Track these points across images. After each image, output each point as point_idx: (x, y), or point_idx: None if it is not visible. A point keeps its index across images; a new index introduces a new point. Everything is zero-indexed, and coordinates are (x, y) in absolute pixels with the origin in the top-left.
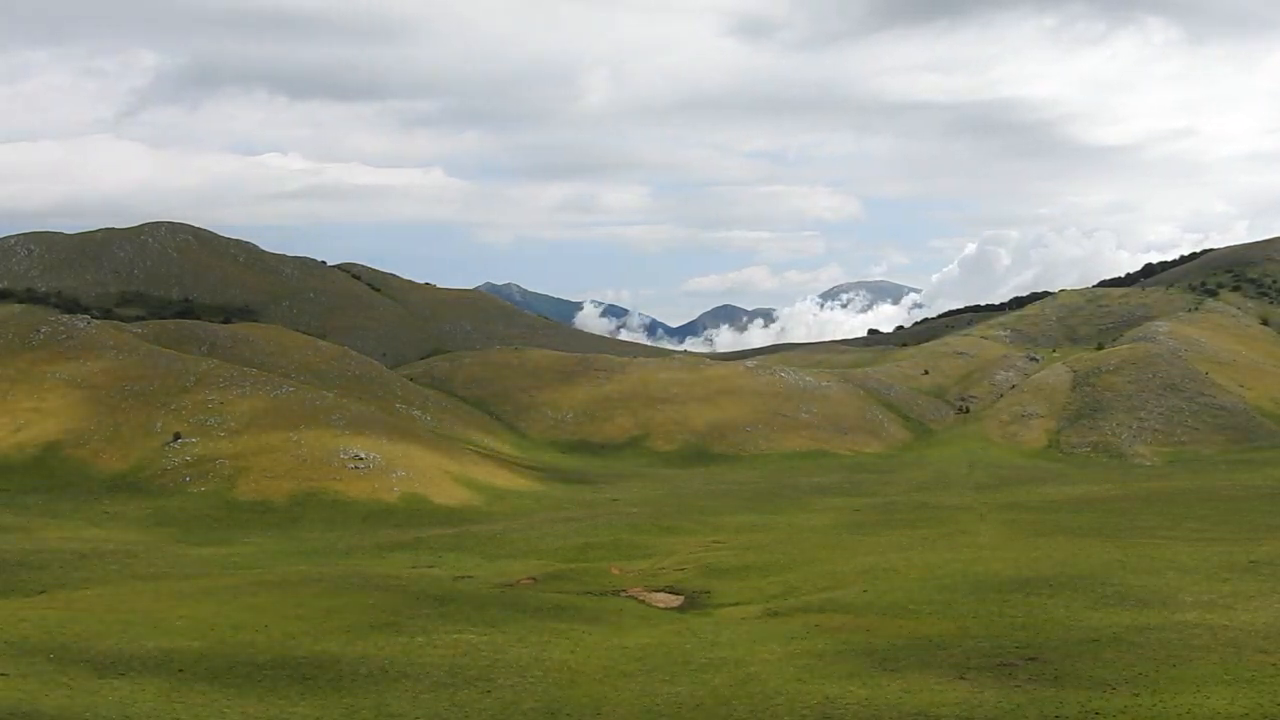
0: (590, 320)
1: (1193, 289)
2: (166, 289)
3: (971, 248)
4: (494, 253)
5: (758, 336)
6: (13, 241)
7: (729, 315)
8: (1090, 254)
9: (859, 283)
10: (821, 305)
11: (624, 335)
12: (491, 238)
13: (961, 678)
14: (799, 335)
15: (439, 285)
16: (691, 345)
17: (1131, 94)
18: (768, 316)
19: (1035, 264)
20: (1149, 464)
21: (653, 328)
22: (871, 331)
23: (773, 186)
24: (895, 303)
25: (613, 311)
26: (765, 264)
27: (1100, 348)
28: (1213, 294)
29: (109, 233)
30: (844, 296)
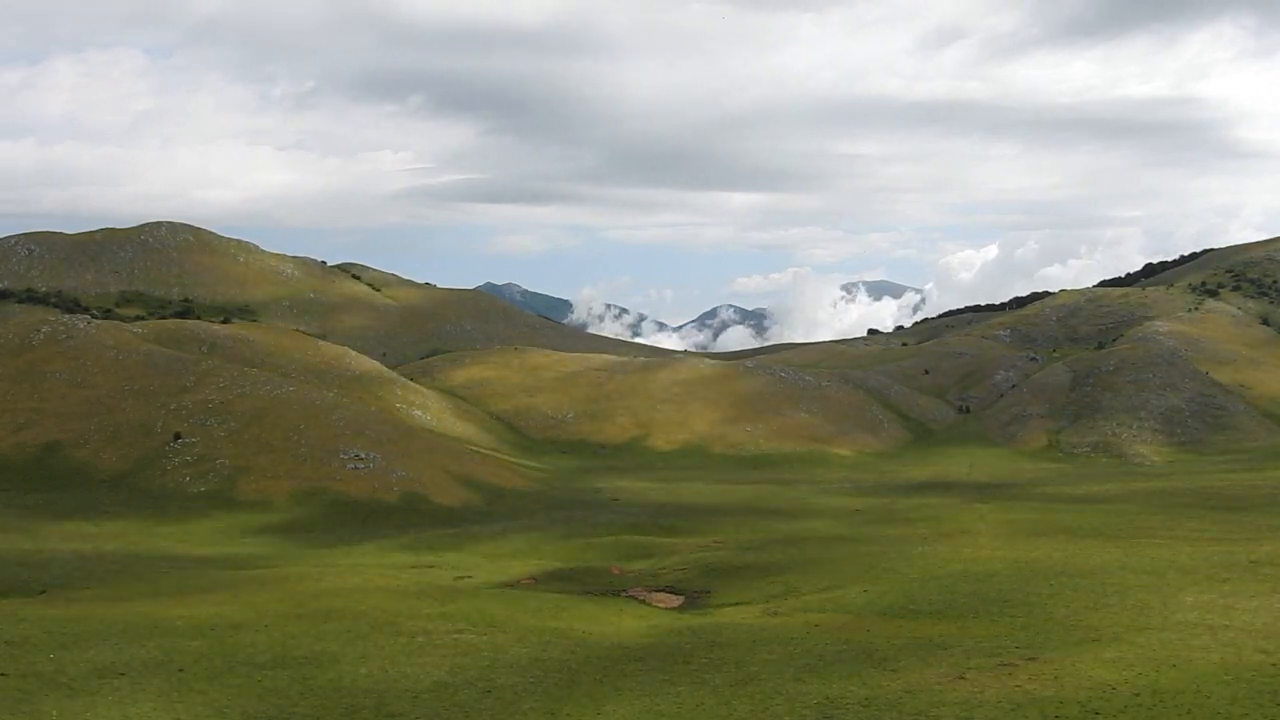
0: (581, 317)
1: (1193, 289)
2: (166, 289)
3: (993, 248)
4: (552, 253)
5: (756, 335)
6: (13, 241)
7: (729, 314)
8: (1155, 255)
9: (857, 280)
10: (834, 301)
11: (607, 331)
12: (565, 240)
13: (961, 678)
14: (795, 330)
15: (439, 285)
16: (686, 343)
17: None
18: (766, 316)
19: (1097, 261)
20: (1149, 464)
21: (646, 325)
22: (872, 331)
23: (876, 191)
24: (923, 297)
25: (611, 310)
26: (809, 265)
27: (1100, 348)
28: (1213, 294)
29: (109, 233)
30: (855, 287)
